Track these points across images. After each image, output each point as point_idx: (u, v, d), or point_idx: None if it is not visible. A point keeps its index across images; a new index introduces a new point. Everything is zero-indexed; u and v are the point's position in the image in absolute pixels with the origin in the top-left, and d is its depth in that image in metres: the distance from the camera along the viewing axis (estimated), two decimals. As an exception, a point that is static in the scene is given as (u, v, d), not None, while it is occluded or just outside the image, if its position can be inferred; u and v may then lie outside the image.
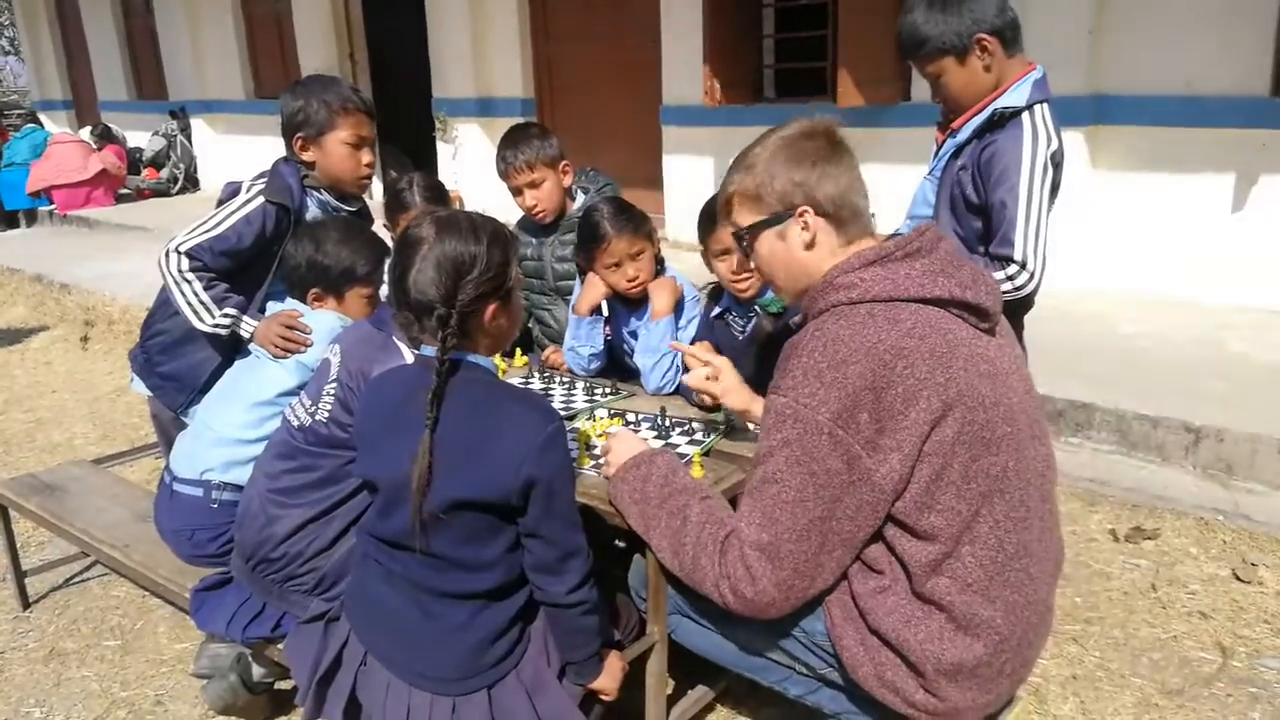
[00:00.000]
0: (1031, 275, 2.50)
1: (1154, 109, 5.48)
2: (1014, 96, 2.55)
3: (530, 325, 3.54)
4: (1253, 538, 3.31)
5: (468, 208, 2.42)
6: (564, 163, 3.32)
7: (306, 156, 2.86)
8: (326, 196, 2.93)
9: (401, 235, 1.91)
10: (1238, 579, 3.08)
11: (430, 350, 1.85)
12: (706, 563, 1.83)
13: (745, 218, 1.94)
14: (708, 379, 2.37)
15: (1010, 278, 2.49)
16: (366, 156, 2.90)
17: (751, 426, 2.38)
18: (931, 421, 1.69)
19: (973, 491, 1.74)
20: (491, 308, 1.87)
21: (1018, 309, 2.61)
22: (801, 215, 1.85)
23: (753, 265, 2.01)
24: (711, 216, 2.64)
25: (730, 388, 2.33)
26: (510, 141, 3.28)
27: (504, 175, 3.30)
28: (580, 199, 3.39)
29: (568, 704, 1.93)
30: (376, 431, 1.94)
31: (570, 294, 3.35)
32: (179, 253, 2.72)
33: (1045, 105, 2.56)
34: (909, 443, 1.69)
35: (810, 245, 1.87)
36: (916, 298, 1.76)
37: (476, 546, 1.83)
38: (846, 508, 1.72)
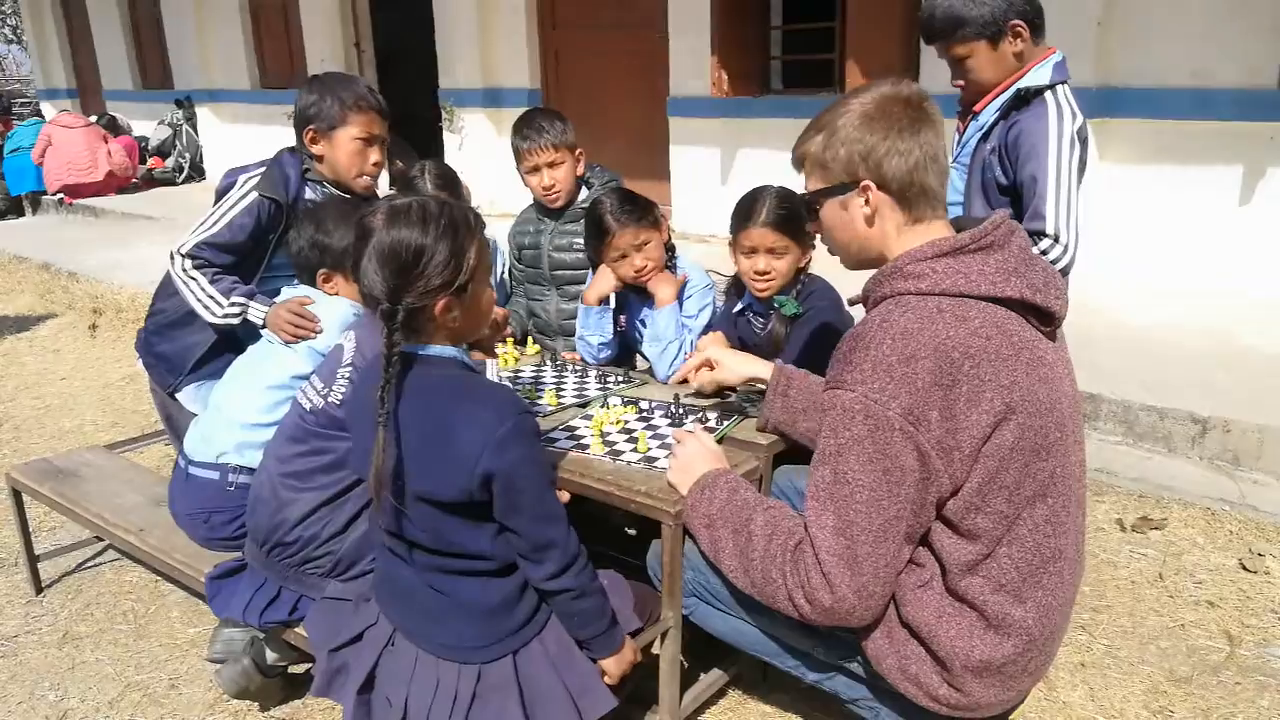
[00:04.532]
0: (1065, 248, 2.51)
1: (1161, 102, 5.47)
2: (1037, 76, 2.60)
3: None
4: (1259, 528, 3.32)
5: (474, 198, 2.43)
6: (579, 150, 3.34)
7: (316, 149, 2.88)
8: (329, 189, 2.95)
9: (357, 223, 1.87)
10: (1244, 569, 3.09)
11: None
12: (777, 575, 1.78)
13: (812, 181, 1.87)
14: (701, 370, 2.47)
15: (1045, 252, 2.50)
16: (375, 155, 2.92)
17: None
18: (993, 424, 1.65)
19: (1021, 496, 1.71)
20: (441, 303, 1.80)
21: None
22: (864, 189, 1.78)
23: (817, 231, 1.94)
24: (745, 214, 2.69)
25: (725, 366, 2.40)
26: (531, 122, 3.29)
27: (524, 154, 3.29)
28: (585, 192, 3.39)
29: (593, 675, 1.95)
30: (358, 425, 1.96)
31: (566, 284, 3.38)
32: (181, 255, 2.82)
33: (1065, 86, 2.61)
34: (969, 444, 1.65)
35: (871, 220, 1.80)
36: (986, 296, 1.70)
37: (464, 537, 1.85)
38: (916, 505, 1.68)
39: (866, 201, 1.79)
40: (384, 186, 3.33)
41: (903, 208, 1.78)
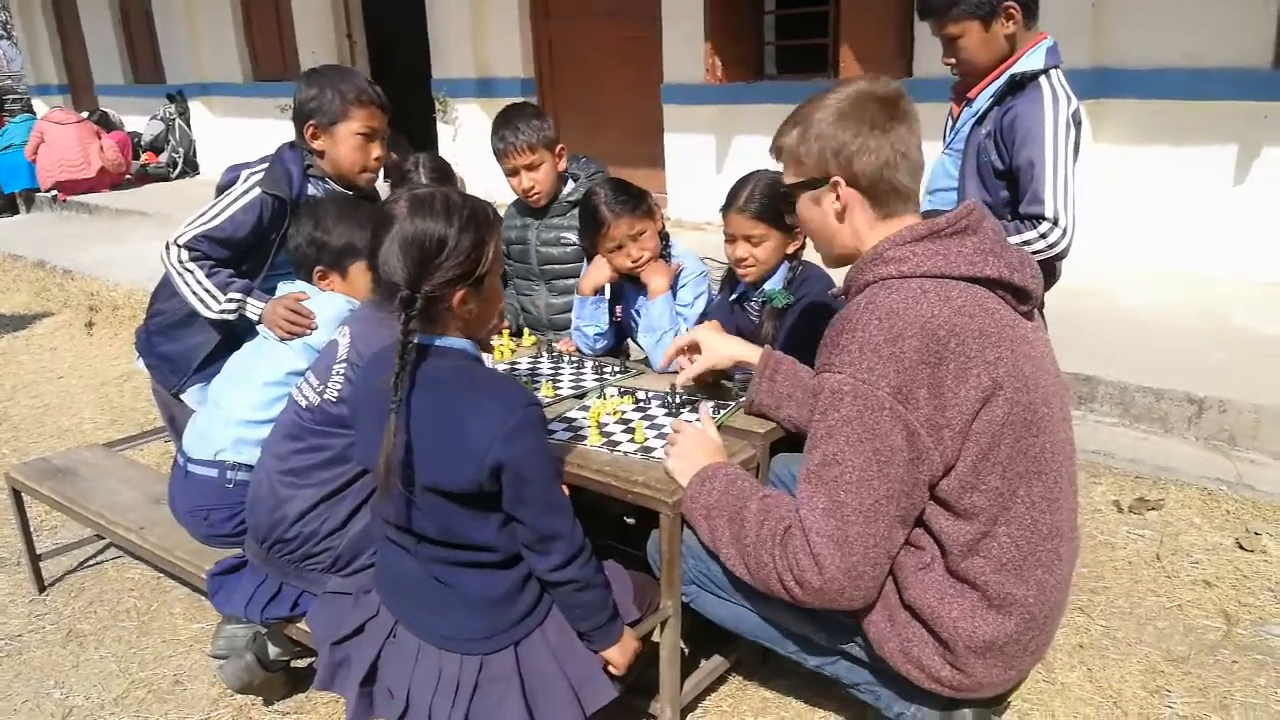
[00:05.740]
0: (1064, 231, 2.55)
1: (1156, 82, 5.47)
2: (1030, 61, 2.63)
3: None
4: (1256, 507, 3.33)
5: (469, 189, 2.43)
6: (559, 146, 3.31)
7: (316, 144, 2.86)
8: (332, 185, 2.93)
9: (378, 210, 1.89)
10: (1241, 548, 3.11)
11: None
12: (768, 558, 1.80)
13: (788, 174, 1.91)
14: (687, 355, 2.46)
15: (1043, 235, 2.54)
16: (376, 150, 2.89)
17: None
18: (981, 400, 1.68)
19: (1014, 472, 1.73)
20: (460, 293, 1.83)
21: (1045, 281, 2.64)
22: (834, 186, 1.82)
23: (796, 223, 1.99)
24: (729, 199, 2.70)
25: (711, 348, 2.41)
26: (508, 122, 3.25)
27: (501, 156, 3.27)
28: (571, 185, 3.38)
29: (594, 665, 1.96)
30: (364, 416, 1.96)
31: (554, 279, 3.38)
32: (177, 245, 2.77)
33: (1058, 70, 2.64)
34: (959, 421, 1.68)
35: (841, 216, 1.84)
36: (966, 276, 1.74)
37: (470, 528, 1.86)
38: (907, 485, 1.69)
39: (837, 197, 1.82)
40: (381, 186, 3.32)
41: (873, 204, 1.83)
